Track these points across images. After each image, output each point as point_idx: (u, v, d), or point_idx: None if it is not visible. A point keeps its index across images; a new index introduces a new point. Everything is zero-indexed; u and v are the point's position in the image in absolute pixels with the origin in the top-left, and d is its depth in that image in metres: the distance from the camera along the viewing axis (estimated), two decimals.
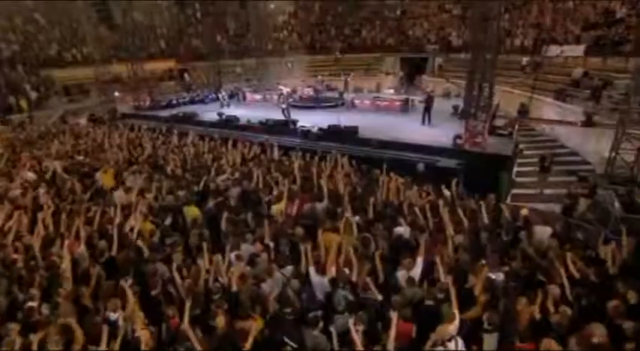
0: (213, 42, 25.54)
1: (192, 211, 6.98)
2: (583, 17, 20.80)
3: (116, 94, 20.80)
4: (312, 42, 31.69)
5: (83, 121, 19.37)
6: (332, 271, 5.01)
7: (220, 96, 19.52)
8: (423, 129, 13.18)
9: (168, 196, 7.60)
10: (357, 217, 6.25)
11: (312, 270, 5.03)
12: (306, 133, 12.63)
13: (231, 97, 21.73)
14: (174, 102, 20.20)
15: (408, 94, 19.60)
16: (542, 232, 5.86)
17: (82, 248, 5.76)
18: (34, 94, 19.46)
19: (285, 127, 13.63)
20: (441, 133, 12.37)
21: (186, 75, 26.39)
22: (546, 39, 22.06)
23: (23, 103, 18.72)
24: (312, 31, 33.09)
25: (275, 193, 7.39)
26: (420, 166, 8.90)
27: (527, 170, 12.24)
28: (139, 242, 5.79)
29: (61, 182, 8.37)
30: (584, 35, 19.75)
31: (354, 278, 4.92)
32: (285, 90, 15.12)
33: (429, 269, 5.21)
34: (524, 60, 22.19)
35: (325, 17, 34.18)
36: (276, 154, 10.06)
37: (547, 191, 11.35)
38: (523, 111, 17.97)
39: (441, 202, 6.87)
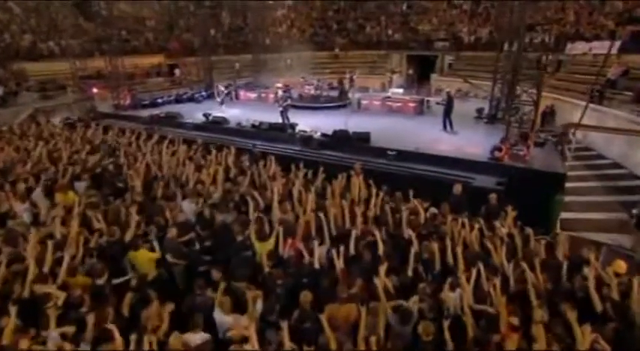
0: (206, 36, 23.43)
1: (140, 259, 4.92)
2: (615, 11, 18.79)
3: (94, 90, 18.62)
4: (313, 37, 29.65)
5: (57, 120, 17.10)
6: None
7: (216, 92, 17.34)
8: (446, 136, 11.11)
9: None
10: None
11: None
12: (306, 140, 10.53)
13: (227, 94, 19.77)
14: (159, 100, 18.03)
15: (420, 94, 17.54)
16: None
17: None
18: (0, 89, 17.26)
19: (281, 131, 11.51)
20: (467, 141, 10.32)
21: (176, 71, 24.21)
22: (570, 35, 20.11)
23: None
24: (314, 26, 31.11)
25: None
26: (458, 188, 6.84)
27: (572, 187, 10.19)
28: None
29: None
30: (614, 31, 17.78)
31: None
32: (280, 91, 12.98)
33: None
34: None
35: (327, 11, 32.19)
36: (272, 168, 7.95)
37: (596, 216, 9.33)
38: (549, 113, 16.00)
39: (500, 247, 4.86)
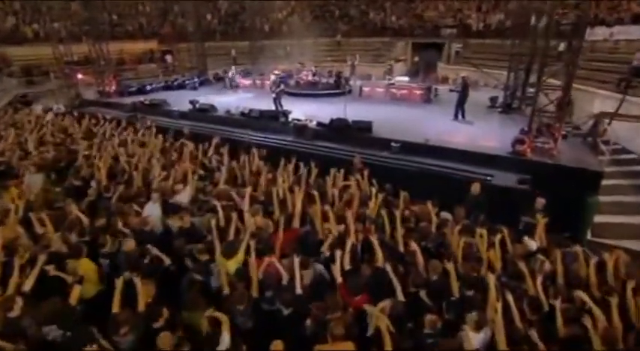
0: (201, 21, 22.17)
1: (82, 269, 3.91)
2: None
3: (79, 76, 17.47)
4: (314, 24, 28.29)
5: (39, 108, 15.90)
6: None
7: (230, 74, 16.60)
8: (459, 127, 9.95)
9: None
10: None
11: None
12: (300, 130, 9.39)
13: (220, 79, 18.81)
14: (148, 87, 16.89)
15: (427, 81, 16.30)
16: None
17: None
18: None
19: (272, 120, 10.37)
20: (483, 132, 9.17)
21: (168, 57, 23.01)
22: (589, 20, 18.69)
23: None
24: (315, 12, 29.70)
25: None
26: (476, 188, 5.74)
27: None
28: None
29: None
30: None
31: None
32: (273, 75, 11.84)
33: None
34: (562, 45, 18.87)
35: None
36: (255, 161, 6.86)
37: (630, 220, 8.16)
38: (566, 103, 14.77)
39: (537, 268, 3.77)
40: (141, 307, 3.17)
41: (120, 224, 4.76)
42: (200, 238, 4.34)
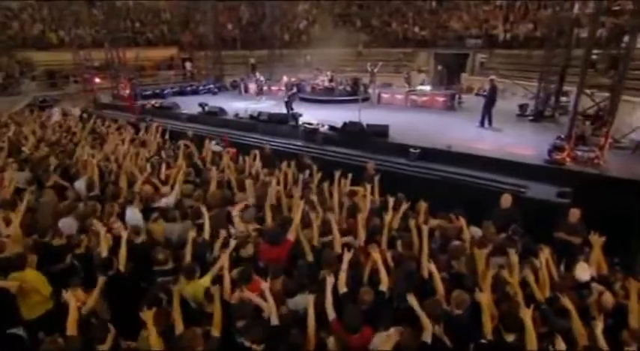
0: (223, 30, 22.19)
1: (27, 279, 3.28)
2: None
3: (97, 80, 17.53)
4: (336, 34, 27.94)
5: (56, 113, 15.68)
6: None
7: (254, 80, 15.92)
8: (486, 133, 9.03)
9: None
10: None
11: None
12: (310, 134, 8.70)
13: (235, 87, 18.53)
14: (165, 92, 16.78)
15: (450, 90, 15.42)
16: None
17: None
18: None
19: (282, 123, 9.73)
20: (512, 139, 8.24)
21: (187, 64, 23.09)
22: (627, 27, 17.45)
23: None
24: (336, 22, 29.42)
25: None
26: (507, 200, 4.85)
27: None
28: None
29: None
30: None
31: None
32: (284, 79, 11.30)
33: None
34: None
35: (350, 6, 30.41)
36: (256, 166, 6.18)
37: None
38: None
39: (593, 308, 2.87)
40: (71, 329, 2.47)
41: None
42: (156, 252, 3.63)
